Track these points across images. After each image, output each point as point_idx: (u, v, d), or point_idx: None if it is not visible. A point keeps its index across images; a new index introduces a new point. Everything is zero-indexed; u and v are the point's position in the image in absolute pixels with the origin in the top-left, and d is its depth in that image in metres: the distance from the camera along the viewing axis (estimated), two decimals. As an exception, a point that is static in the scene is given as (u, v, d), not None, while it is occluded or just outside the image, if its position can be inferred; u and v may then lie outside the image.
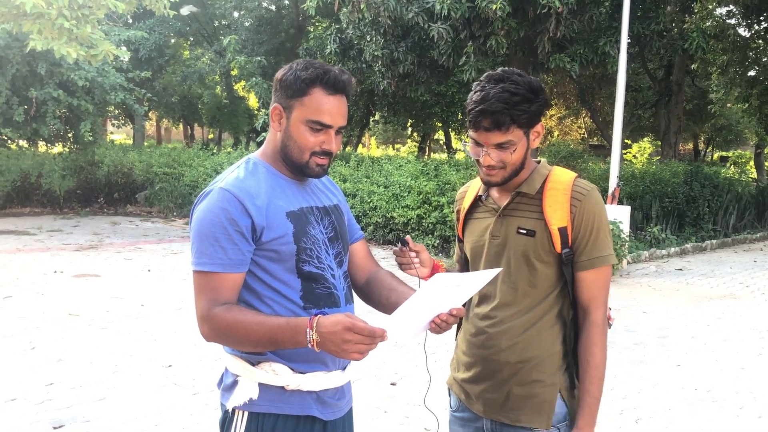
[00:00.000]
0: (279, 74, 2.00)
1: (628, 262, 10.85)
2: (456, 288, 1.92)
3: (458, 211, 2.43)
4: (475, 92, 2.12)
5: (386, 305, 2.13)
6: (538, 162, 2.28)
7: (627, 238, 10.57)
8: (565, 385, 2.19)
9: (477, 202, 2.34)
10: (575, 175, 2.23)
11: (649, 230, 12.62)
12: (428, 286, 1.84)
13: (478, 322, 2.26)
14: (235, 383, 1.99)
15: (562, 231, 2.12)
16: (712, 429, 4.69)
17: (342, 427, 2.09)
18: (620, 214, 10.48)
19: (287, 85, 1.94)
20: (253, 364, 1.96)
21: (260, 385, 1.95)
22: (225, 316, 1.85)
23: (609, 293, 2.20)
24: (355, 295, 2.23)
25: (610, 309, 2.35)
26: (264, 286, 1.95)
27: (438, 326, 1.93)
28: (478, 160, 2.16)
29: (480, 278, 1.96)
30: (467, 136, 2.20)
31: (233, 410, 1.97)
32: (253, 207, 1.91)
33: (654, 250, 11.87)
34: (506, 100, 2.04)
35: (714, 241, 13.34)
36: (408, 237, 2.21)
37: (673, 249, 12.23)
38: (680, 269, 10.84)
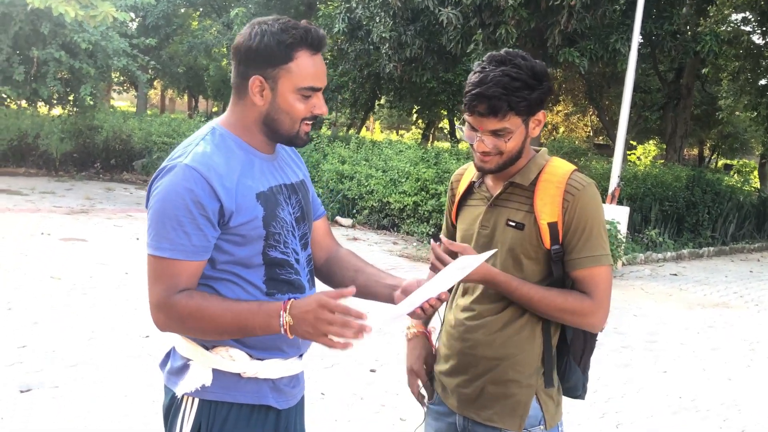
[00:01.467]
0: (246, 41, 1.76)
1: (623, 264, 10.74)
2: (458, 270, 1.85)
3: (453, 195, 2.30)
4: (474, 73, 1.99)
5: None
6: (538, 151, 2.14)
7: (624, 240, 10.46)
8: (543, 387, 2.08)
9: (471, 188, 2.22)
10: (573, 167, 2.09)
11: (647, 233, 12.50)
12: (448, 267, 1.81)
13: (459, 314, 2.17)
14: (185, 367, 1.85)
15: (552, 226, 2.00)
16: (694, 439, 4.60)
17: (295, 416, 1.99)
18: (618, 215, 10.37)
19: (268, 53, 1.74)
20: (207, 348, 1.82)
21: (214, 370, 1.82)
22: (187, 303, 1.72)
23: (610, 296, 2.05)
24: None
25: None
26: (225, 271, 1.81)
27: (423, 311, 1.85)
28: (472, 145, 2.04)
29: (473, 261, 1.87)
30: (461, 120, 2.07)
31: (182, 396, 1.84)
32: (222, 189, 1.73)
33: (650, 254, 11.76)
34: (505, 85, 1.90)
35: (711, 249, 13.22)
36: (441, 236, 2.05)
37: (669, 253, 12.11)
38: (675, 274, 10.72)
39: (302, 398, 2.04)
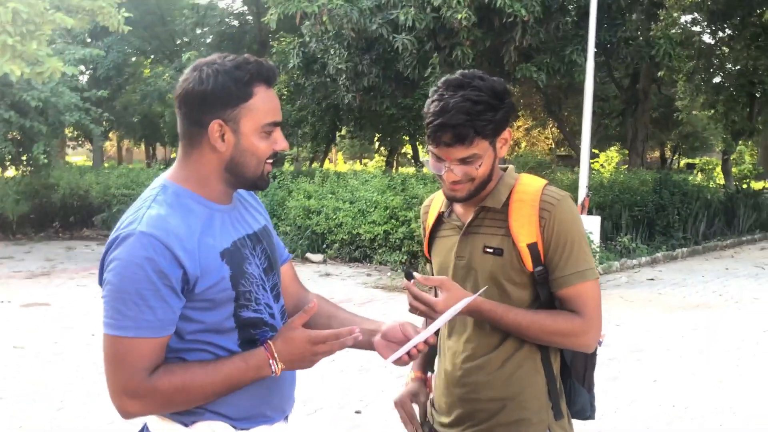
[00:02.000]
0: (196, 85, 1.62)
1: (600, 274, 10.69)
2: (447, 313, 1.77)
3: (424, 228, 2.18)
4: (432, 101, 1.86)
5: None
6: (505, 170, 2.02)
7: (598, 249, 10.42)
8: (555, 417, 1.96)
9: (441, 218, 2.09)
10: (544, 182, 1.97)
11: (620, 240, 12.51)
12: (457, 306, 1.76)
13: (453, 358, 2.04)
14: None
15: (532, 247, 1.88)
16: (693, 449, 4.47)
17: None
18: (590, 225, 10.36)
19: (223, 93, 1.60)
20: (186, 425, 1.66)
21: None
22: (170, 381, 1.56)
23: (600, 312, 1.94)
24: None
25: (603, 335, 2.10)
26: (195, 341, 1.64)
27: (410, 358, 1.75)
28: (440, 176, 1.91)
29: (462, 303, 1.79)
30: (426, 152, 1.94)
31: None
32: (184, 253, 1.57)
33: (625, 260, 11.74)
34: (468, 111, 1.79)
35: (685, 249, 13.26)
36: (415, 273, 1.89)
37: (644, 258, 12.11)
38: (652, 279, 10.70)
39: None
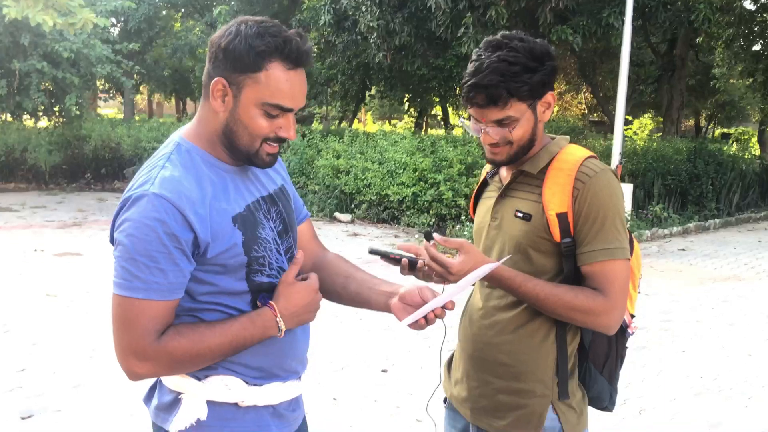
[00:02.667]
0: (222, 39, 1.57)
1: (629, 242, 10.59)
2: (470, 278, 1.74)
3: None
4: (471, 62, 1.84)
5: (342, 295, 1.87)
6: (554, 138, 1.98)
7: (629, 217, 10.30)
8: (559, 396, 1.91)
9: (486, 180, 2.11)
10: (589, 154, 1.90)
11: (651, 209, 12.34)
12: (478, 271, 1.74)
13: (472, 313, 2.05)
14: (176, 401, 1.67)
15: (561, 217, 1.83)
16: (720, 421, 4.45)
17: None
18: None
19: (236, 56, 1.54)
20: (200, 379, 1.66)
21: (209, 403, 1.66)
22: (180, 343, 1.55)
23: (626, 294, 1.86)
24: None
25: (632, 317, 2.05)
26: (208, 302, 1.63)
27: (428, 322, 1.71)
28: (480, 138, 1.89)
29: (485, 268, 1.75)
30: (466, 113, 1.91)
31: None
32: (196, 217, 1.54)
33: (656, 230, 11.61)
34: (502, 71, 1.76)
35: (717, 221, 13.06)
36: (435, 234, 1.86)
37: (675, 228, 11.95)
38: (683, 249, 10.57)
39: (304, 420, 1.90)
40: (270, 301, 1.65)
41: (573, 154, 1.91)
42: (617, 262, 1.82)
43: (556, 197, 1.85)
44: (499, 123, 1.84)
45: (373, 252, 1.89)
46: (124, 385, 4.65)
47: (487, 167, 2.19)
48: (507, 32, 1.88)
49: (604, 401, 2.04)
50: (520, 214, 1.91)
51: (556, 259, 1.89)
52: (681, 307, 7.13)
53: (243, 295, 1.66)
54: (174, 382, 1.68)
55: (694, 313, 6.95)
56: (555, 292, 1.82)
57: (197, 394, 1.65)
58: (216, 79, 1.57)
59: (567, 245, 1.85)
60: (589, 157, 1.89)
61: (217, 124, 1.62)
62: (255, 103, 1.57)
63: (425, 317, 1.72)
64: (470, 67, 1.84)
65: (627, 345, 2.07)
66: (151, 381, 1.77)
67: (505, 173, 2.02)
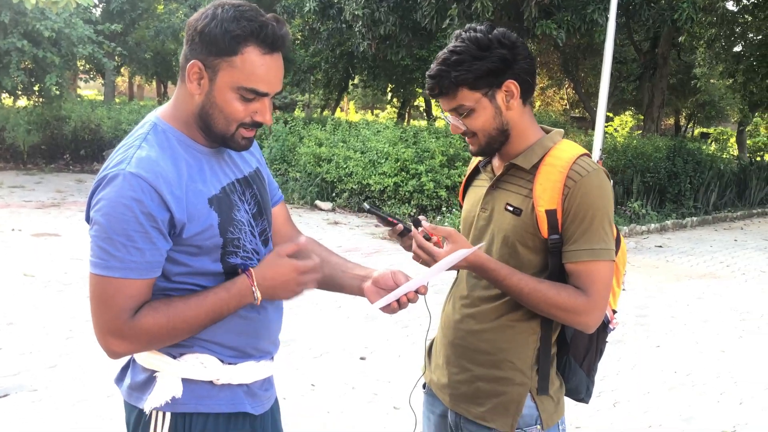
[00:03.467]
0: (198, 23, 1.57)
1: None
2: (444, 264, 1.74)
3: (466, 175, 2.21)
4: None
5: None
6: (548, 132, 2.00)
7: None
8: (538, 385, 1.94)
9: (478, 168, 2.12)
10: (582, 152, 1.91)
11: (630, 205, 12.46)
12: (439, 265, 1.73)
13: (454, 302, 2.06)
14: (151, 380, 1.68)
15: (550, 214, 1.84)
16: (692, 415, 4.52)
17: (269, 420, 1.85)
18: (601, 188, 10.26)
19: (211, 39, 1.54)
20: (175, 357, 1.67)
21: (184, 380, 1.67)
22: (155, 318, 1.55)
23: (608, 294, 1.89)
24: None
25: (614, 312, 2.08)
26: (182, 282, 1.64)
27: (400, 306, 1.74)
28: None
29: (461, 255, 1.75)
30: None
31: (151, 412, 1.67)
32: (172, 197, 1.55)
33: (634, 226, 11.72)
34: (446, 61, 1.82)
35: (695, 219, 13.21)
36: (423, 218, 1.89)
37: (653, 225, 12.07)
38: (660, 246, 10.69)
39: (276, 401, 1.91)
40: (250, 268, 1.65)
41: (566, 150, 1.91)
42: (601, 263, 1.84)
43: (546, 193, 1.85)
44: (455, 111, 1.89)
45: (369, 210, 1.88)
46: (101, 365, 4.64)
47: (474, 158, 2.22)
48: (471, 24, 1.93)
49: (581, 393, 2.07)
50: (511, 208, 1.92)
51: (542, 255, 1.90)
52: (657, 303, 7.22)
53: (217, 276, 1.66)
54: (148, 360, 1.68)
55: (670, 309, 7.04)
56: (538, 288, 1.83)
57: (172, 372, 1.66)
58: (192, 61, 1.58)
59: (554, 242, 1.86)
60: (582, 155, 1.90)
61: (193, 107, 1.62)
62: (230, 87, 1.57)
63: (398, 301, 1.73)
64: None
65: (607, 339, 2.10)
66: (123, 361, 1.77)
67: (497, 164, 2.03)
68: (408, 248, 1.92)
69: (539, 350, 1.94)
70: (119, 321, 1.54)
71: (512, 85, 1.88)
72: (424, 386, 2.23)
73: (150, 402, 1.66)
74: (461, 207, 2.21)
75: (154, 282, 1.59)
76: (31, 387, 4.30)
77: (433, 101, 26.31)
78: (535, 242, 1.89)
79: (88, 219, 1.59)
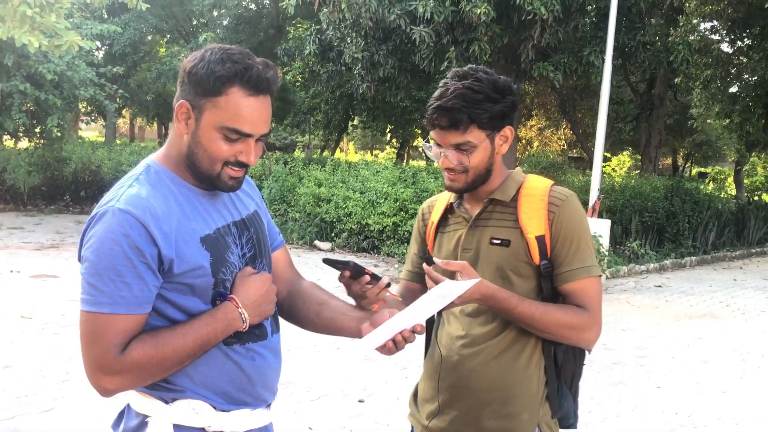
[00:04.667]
0: (188, 64, 1.62)
1: (607, 278, 10.67)
2: (438, 299, 1.73)
3: (424, 225, 2.19)
4: (438, 88, 1.94)
5: (315, 322, 1.87)
6: (510, 171, 2.08)
7: (607, 253, 10.37)
8: (546, 418, 1.95)
9: (447, 214, 2.12)
10: (552, 182, 2.02)
11: (629, 245, 12.46)
12: (426, 295, 1.72)
13: (450, 343, 2.04)
14: (143, 425, 1.67)
15: (540, 240, 1.92)
16: (695, 458, 4.46)
17: None
18: (600, 228, 10.29)
19: (198, 80, 1.58)
20: (167, 402, 1.66)
21: (175, 426, 1.66)
22: (144, 350, 1.55)
23: (601, 307, 1.96)
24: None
25: None
26: (172, 322, 1.63)
27: (395, 345, 1.72)
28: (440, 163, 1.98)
29: (454, 289, 1.75)
30: (427, 138, 1.98)
31: None
32: (160, 233, 1.57)
33: (633, 266, 11.71)
34: (466, 98, 1.86)
35: (693, 258, 13.21)
36: (435, 258, 1.90)
37: (652, 265, 12.06)
38: (659, 286, 10.66)
39: None
40: (230, 295, 1.66)
41: (539, 181, 2.03)
42: (594, 278, 1.94)
43: (533, 221, 1.93)
44: (458, 147, 1.92)
45: (325, 261, 1.86)
46: (97, 409, 4.60)
47: (426, 205, 2.23)
48: (474, 65, 1.99)
49: (570, 418, 2.08)
50: (498, 241, 1.97)
51: (535, 281, 1.96)
52: (657, 343, 7.18)
53: None
54: (141, 405, 1.68)
55: (670, 349, 7.00)
56: (547, 311, 1.89)
57: (164, 417, 1.65)
58: (180, 101, 1.62)
59: (545, 267, 1.93)
60: (554, 184, 2.01)
61: (182, 147, 1.65)
62: (215, 127, 1.60)
63: (393, 341, 1.71)
64: (437, 92, 1.94)
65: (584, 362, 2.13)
66: (120, 407, 1.77)
67: (469, 205, 2.07)
68: (354, 295, 1.88)
69: (547, 379, 1.98)
70: (109, 356, 1.53)
71: (509, 131, 1.98)
72: None
73: None
74: (421, 256, 2.18)
75: (145, 319, 1.59)
76: (26, 431, 4.25)
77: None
78: (528, 270, 1.95)
79: (80, 258, 1.61)
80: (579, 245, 1.93)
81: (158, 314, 1.62)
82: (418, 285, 2.18)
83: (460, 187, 1.99)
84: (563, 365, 2.02)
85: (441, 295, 1.74)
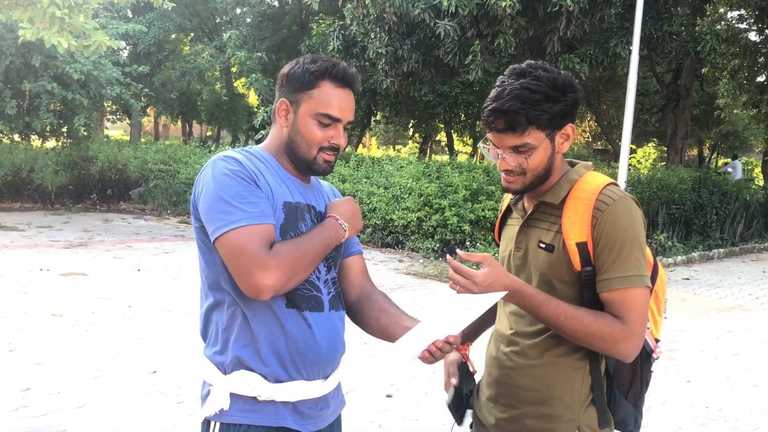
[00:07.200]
0: (285, 69, 1.94)
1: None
2: (463, 311, 1.72)
3: (499, 214, 2.20)
4: (494, 88, 1.86)
5: (374, 327, 1.99)
6: (573, 165, 1.99)
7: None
8: (588, 422, 1.90)
9: (510, 206, 2.11)
10: (609, 181, 1.91)
11: (656, 237, 12.34)
12: (438, 309, 1.76)
13: (497, 342, 2.07)
14: (209, 393, 1.91)
15: (581, 246, 1.83)
16: (727, 452, 4.42)
17: None
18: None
19: (295, 78, 1.89)
20: (225, 373, 1.87)
21: (231, 395, 1.87)
22: (288, 247, 1.78)
23: (645, 321, 1.86)
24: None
25: (657, 341, 2.05)
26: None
27: (432, 355, 1.77)
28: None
29: (485, 301, 1.73)
30: (485, 138, 1.94)
31: (206, 420, 1.91)
32: (258, 178, 1.85)
33: (660, 258, 11.59)
34: (523, 99, 1.78)
35: (721, 250, 13.05)
36: (457, 249, 1.87)
37: (679, 257, 11.95)
38: (687, 278, 10.55)
39: (338, 419, 2.06)
40: (328, 214, 1.95)
41: (591, 182, 1.91)
42: (636, 289, 1.81)
43: (575, 227, 1.85)
44: (516, 150, 1.85)
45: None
46: (128, 405, 4.65)
47: (505, 193, 2.19)
48: (533, 61, 1.89)
49: (629, 425, 2.01)
50: (543, 245, 1.91)
51: (578, 288, 1.88)
52: (686, 337, 7.11)
53: None
54: (208, 375, 1.91)
55: (699, 342, 6.93)
56: (575, 315, 1.81)
57: (222, 387, 1.86)
58: (280, 100, 1.93)
59: (587, 273, 1.85)
60: (608, 184, 1.89)
61: (283, 138, 1.94)
62: (310, 114, 1.88)
63: (429, 351, 1.76)
64: (493, 92, 1.86)
65: (652, 369, 2.06)
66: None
67: (527, 201, 2.03)
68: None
69: (592, 385, 1.92)
70: (261, 255, 1.72)
71: (570, 129, 1.89)
72: (471, 426, 2.21)
73: (204, 411, 1.90)
74: (497, 245, 2.21)
75: (273, 230, 1.80)
76: (60, 427, 4.30)
77: (456, 135, 26.39)
78: (570, 276, 1.88)
79: (195, 202, 1.85)
80: (621, 252, 1.81)
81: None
82: None
83: (518, 189, 1.94)
84: (617, 371, 1.96)
85: (465, 307, 1.73)
